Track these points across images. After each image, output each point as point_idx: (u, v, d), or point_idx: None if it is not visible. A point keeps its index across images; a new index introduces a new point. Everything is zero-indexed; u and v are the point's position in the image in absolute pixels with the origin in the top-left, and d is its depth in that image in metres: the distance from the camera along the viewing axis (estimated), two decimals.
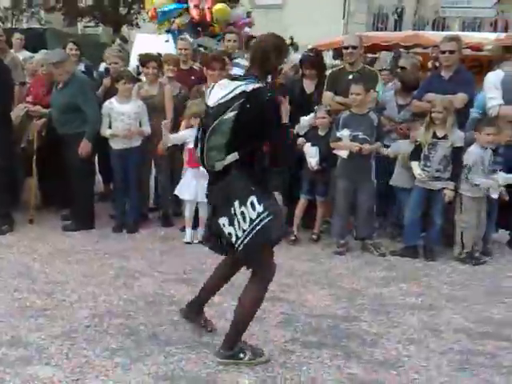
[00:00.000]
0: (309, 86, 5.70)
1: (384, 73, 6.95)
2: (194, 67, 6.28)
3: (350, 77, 5.38)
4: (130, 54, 9.05)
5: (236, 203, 2.81)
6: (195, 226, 5.36)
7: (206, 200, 5.27)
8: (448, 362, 3.24)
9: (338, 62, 8.90)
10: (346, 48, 5.50)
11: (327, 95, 5.48)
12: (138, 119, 5.47)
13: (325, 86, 5.53)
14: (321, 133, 5.33)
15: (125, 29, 20.98)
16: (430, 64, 7.31)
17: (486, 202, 4.99)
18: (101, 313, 3.72)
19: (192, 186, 5.23)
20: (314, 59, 5.72)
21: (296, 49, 11.23)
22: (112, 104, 5.40)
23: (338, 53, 8.56)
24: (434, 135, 4.90)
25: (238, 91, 2.80)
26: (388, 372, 3.11)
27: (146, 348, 3.28)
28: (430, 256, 5.03)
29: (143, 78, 5.95)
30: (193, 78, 6.00)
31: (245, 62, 6.60)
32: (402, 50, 7.98)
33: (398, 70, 6.35)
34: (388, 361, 3.24)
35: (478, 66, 7.96)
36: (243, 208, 2.80)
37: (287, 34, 17.37)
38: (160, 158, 5.66)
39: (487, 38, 7.72)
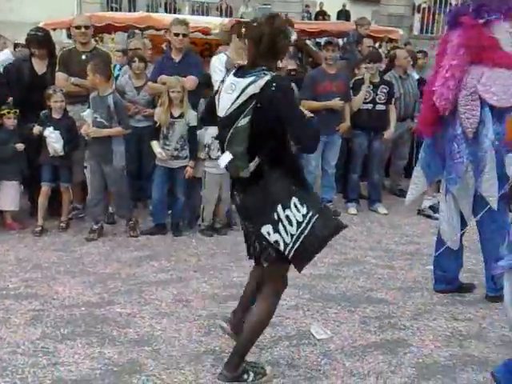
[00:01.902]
0: (39, 66, 5.42)
1: (117, 54, 6.94)
2: None
3: (84, 57, 5.29)
4: None
5: (279, 207, 2.57)
6: None
7: None
8: (197, 328, 3.49)
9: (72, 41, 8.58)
10: (78, 28, 5.36)
11: (60, 76, 5.29)
12: None
13: (57, 67, 5.32)
14: (56, 116, 5.13)
15: None
16: (164, 46, 7.50)
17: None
18: None
19: None
20: (41, 38, 5.43)
21: None
22: None
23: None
24: (171, 115, 5.10)
25: (247, 96, 2.54)
26: (143, 349, 3.22)
27: None
28: (177, 231, 5.29)
29: None
30: None
31: None
32: (136, 31, 8.02)
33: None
34: (142, 338, 3.35)
35: (209, 49, 8.44)
36: (288, 211, 2.57)
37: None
38: None
39: (213, 23, 8.14)
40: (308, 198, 2.65)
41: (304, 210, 2.58)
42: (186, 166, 5.17)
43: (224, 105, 2.64)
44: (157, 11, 15.43)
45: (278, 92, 2.54)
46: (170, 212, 5.42)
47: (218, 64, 5.45)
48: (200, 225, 5.35)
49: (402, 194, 7.01)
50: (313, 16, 16.17)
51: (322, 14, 15.97)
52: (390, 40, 8.73)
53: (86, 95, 5.12)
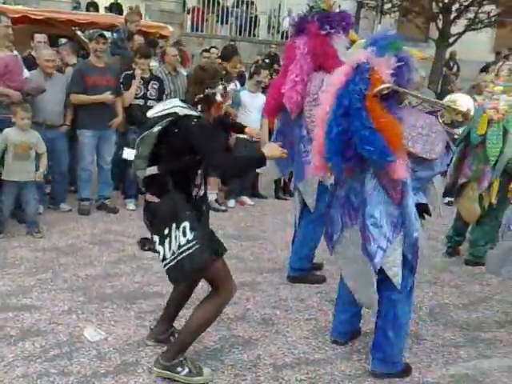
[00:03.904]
0: None
1: None
2: None
3: None
4: None
5: (173, 225, 2.81)
6: None
7: None
8: None
9: None
10: None
11: None
12: None
13: None
14: None
15: None
16: None
17: None
18: None
19: None
20: None
21: None
22: None
23: None
24: None
25: (171, 110, 2.87)
26: None
27: None
28: None
29: None
30: None
31: None
32: None
33: None
34: None
35: None
36: (177, 232, 2.80)
37: None
38: None
39: None
40: (198, 229, 2.84)
41: (190, 236, 2.80)
42: None
43: (155, 109, 2.99)
44: None
45: (198, 128, 2.83)
46: None
47: None
48: None
49: None
50: (83, 7, 15.49)
51: (92, 6, 15.38)
52: (162, 36, 8.84)
53: None
